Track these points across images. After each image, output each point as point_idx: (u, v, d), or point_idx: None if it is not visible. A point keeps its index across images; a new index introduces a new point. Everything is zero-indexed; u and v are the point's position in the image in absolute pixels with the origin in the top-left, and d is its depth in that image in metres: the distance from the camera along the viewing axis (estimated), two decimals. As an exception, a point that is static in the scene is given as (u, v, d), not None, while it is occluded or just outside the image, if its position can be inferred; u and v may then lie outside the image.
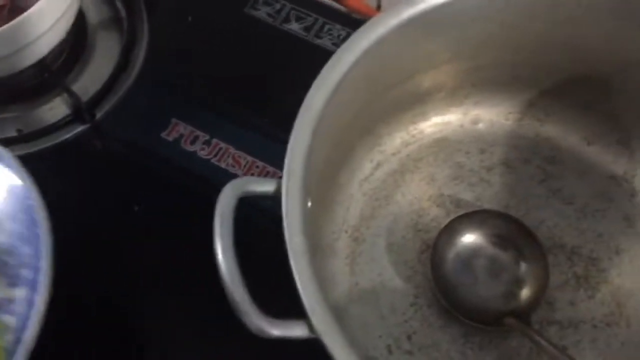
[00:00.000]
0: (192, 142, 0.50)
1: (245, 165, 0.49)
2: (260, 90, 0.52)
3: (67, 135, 0.50)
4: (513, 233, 0.41)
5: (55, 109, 0.51)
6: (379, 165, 0.45)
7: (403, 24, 0.35)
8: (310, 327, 0.28)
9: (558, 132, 0.45)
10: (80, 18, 0.52)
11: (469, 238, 0.41)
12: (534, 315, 0.40)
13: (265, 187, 0.31)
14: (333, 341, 0.28)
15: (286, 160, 0.31)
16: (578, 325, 0.40)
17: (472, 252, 0.40)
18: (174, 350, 0.42)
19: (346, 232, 0.43)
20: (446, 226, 0.41)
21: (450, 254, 0.40)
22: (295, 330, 0.28)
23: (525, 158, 0.45)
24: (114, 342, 0.43)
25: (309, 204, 0.33)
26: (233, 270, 0.28)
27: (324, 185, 0.40)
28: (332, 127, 0.36)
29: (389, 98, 0.42)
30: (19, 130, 0.50)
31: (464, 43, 0.40)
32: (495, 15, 0.38)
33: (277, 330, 0.28)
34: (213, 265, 0.29)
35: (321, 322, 0.28)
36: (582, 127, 0.45)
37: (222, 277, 0.28)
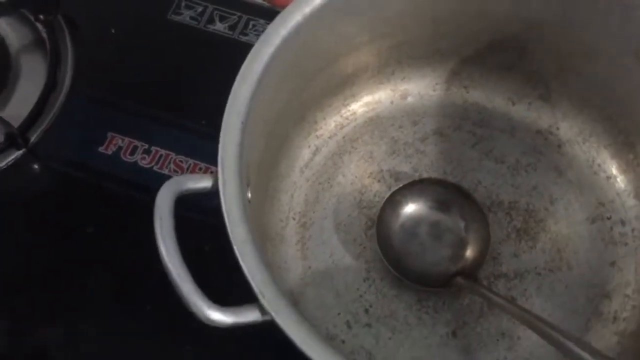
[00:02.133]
0: (132, 153, 0.50)
1: (188, 169, 0.49)
2: (193, 93, 0.52)
3: (2, 164, 0.49)
4: (451, 197, 0.42)
5: (-14, 137, 0.50)
6: (317, 150, 0.46)
7: (317, 9, 0.36)
8: (262, 310, 0.29)
9: (484, 96, 0.47)
10: None
11: (410, 208, 0.42)
12: (482, 271, 0.42)
13: (202, 183, 0.31)
14: (285, 319, 0.28)
15: (219, 155, 0.32)
16: (523, 275, 0.42)
17: (415, 221, 0.42)
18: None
19: (293, 218, 0.44)
20: (387, 200, 0.42)
21: (395, 226, 0.42)
22: (248, 316, 0.29)
23: (456, 125, 0.47)
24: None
25: (249, 194, 0.34)
26: (178, 266, 0.28)
27: (264, 175, 0.41)
28: (263, 118, 0.37)
29: (318, 84, 0.43)
30: (-50, 164, 0.49)
31: (381, 23, 0.41)
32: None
33: (230, 317, 0.28)
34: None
35: (272, 302, 0.29)
36: (506, 89, 0.47)
37: (169, 275, 0.28)
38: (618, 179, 0.44)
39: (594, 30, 0.40)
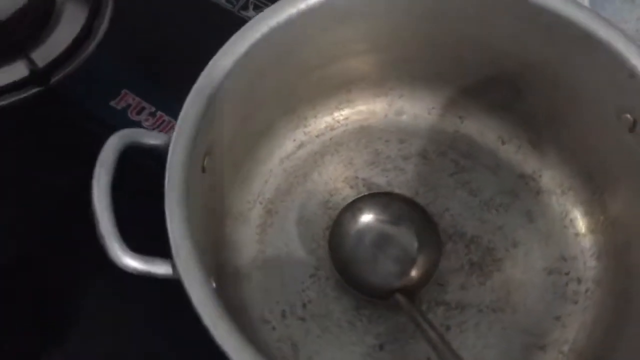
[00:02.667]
0: (138, 113, 0.53)
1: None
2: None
3: (21, 96, 0.53)
4: (413, 216, 0.43)
5: (15, 71, 0.54)
6: (301, 145, 0.47)
7: (311, 7, 0.38)
8: (174, 268, 0.30)
9: (476, 129, 0.47)
10: (49, -12, 0.56)
11: (369, 217, 0.43)
12: (425, 295, 0.42)
13: (154, 140, 0.33)
14: (191, 280, 0.30)
15: (179, 117, 0.34)
16: (465, 308, 0.42)
17: (370, 230, 0.43)
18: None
19: (261, 203, 0.45)
20: (350, 203, 0.43)
21: (350, 230, 0.43)
22: (160, 268, 0.30)
23: (442, 151, 0.47)
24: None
25: (204, 162, 0.36)
26: (104, 207, 0.30)
27: (239, 154, 0.43)
28: (241, 97, 0.39)
29: (313, 81, 0.45)
30: (-23, 87, 0.53)
31: (379, 34, 0.43)
32: (407, 8, 0.41)
33: (140, 264, 0.30)
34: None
35: (183, 263, 0.30)
36: (499, 127, 0.47)
37: (93, 214, 0.30)
38: (586, 238, 0.43)
39: (584, 82, 0.40)
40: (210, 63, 0.35)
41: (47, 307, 0.46)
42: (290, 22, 0.38)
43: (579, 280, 0.42)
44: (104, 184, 0.31)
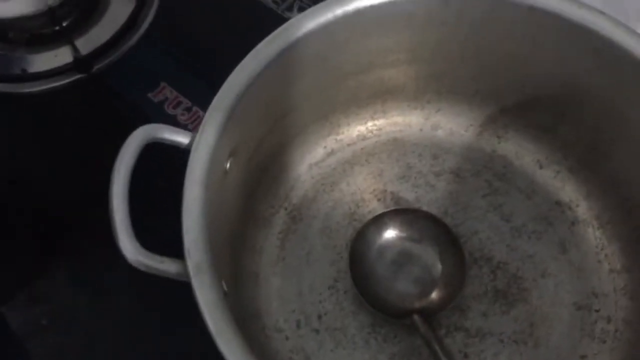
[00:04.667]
0: (175, 107, 0.53)
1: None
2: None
3: (64, 81, 0.54)
4: (438, 236, 0.41)
5: (59, 56, 0.55)
6: (332, 152, 0.46)
7: (349, 14, 0.37)
8: (185, 268, 0.30)
9: (513, 151, 0.46)
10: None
11: (393, 233, 0.42)
12: (445, 318, 0.41)
13: (179, 137, 0.33)
14: (200, 283, 0.29)
15: (205, 116, 0.33)
16: (485, 337, 0.40)
17: (394, 247, 0.41)
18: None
19: (285, 209, 0.45)
20: (375, 217, 0.42)
21: (373, 245, 0.42)
22: (171, 267, 0.30)
23: (476, 170, 0.46)
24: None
25: (227, 164, 0.36)
26: (120, 202, 0.30)
27: (265, 156, 0.42)
28: (271, 99, 0.38)
29: (347, 88, 0.44)
30: (23, 70, 0.54)
31: (422, 46, 0.41)
32: (449, 23, 0.39)
33: (151, 262, 0.30)
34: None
35: (194, 263, 0.30)
36: (538, 150, 0.45)
37: (109, 207, 0.30)
38: (620, 275, 0.41)
39: (635, 112, 0.38)
40: (243, 62, 0.35)
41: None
42: (328, 27, 0.37)
43: (609, 319, 0.40)
44: (122, 178, 0.30)
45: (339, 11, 0.37)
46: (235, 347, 0.28)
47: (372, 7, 0.37)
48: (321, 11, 0.37)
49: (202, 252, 0.30)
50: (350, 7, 0.37)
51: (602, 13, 0.36)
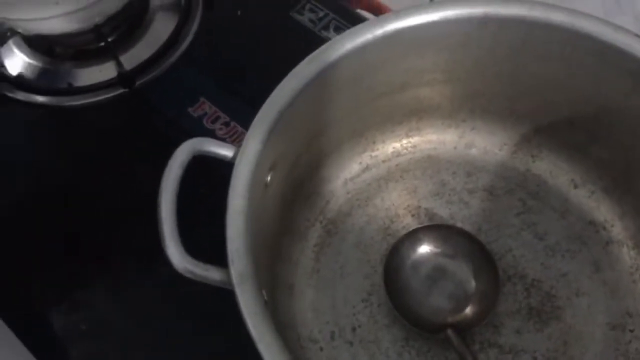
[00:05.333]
0: (214, 122, 0.55)
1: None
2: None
3: (108, 95, 0.56)
4: (472, 253, 0.42)
5: (104, 71, 0.57)
6: (367, 168, 0.47)
7: (388, 35, 0.38)
8: (229, 276, 0.31)
9: (548, 170, 0.46)
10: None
11: (428, 249, 0.42)
12: (478, 334, 0.41)
13: (224, 151, 0.34)
14: (244, 291, 0.30)
15: (248, 131, 0.35)
16: (518, 354, 0.40)
17: (428, 262, 0.42)
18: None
19: (321, 222, 0.46)
20: (410, 232, 0.43)
21: (407, 260, 0.42)
22: (214, 274, 0.31)
23: (510, 189, 0.46)
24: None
25: (268, 178, 0.37)
26: (168, 211, 0.31)
27: (302, 171, 0.43)
28: (309, 116, 0.39)
29: (384, 107, 0.45)
30: (69, 84, 0.57)
31: (458, 67, 0.42)
32: (486, 45, 0.40)
33: (196, 269, 0.31)
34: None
35: (238, 271, 0.31)
36: (572, 170, 0.46)
37: (158, 217, 0.31)
38: (655, 296, 0.41)
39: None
40: (284, 81, 0.36)
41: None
42: (367, 48, 0.38)
43: (644, 340, 0.40)
44: (170, 188, 0.32)
45: (379, 32, 0.38)
46: (275, 353, 0.29)
47: (411, 29, 0.38)
48: (360, 32, 0.38)
49: (245, 261, 0.31)
50: (389, 28, 0.38)
51: (636, 35, 0.37)
